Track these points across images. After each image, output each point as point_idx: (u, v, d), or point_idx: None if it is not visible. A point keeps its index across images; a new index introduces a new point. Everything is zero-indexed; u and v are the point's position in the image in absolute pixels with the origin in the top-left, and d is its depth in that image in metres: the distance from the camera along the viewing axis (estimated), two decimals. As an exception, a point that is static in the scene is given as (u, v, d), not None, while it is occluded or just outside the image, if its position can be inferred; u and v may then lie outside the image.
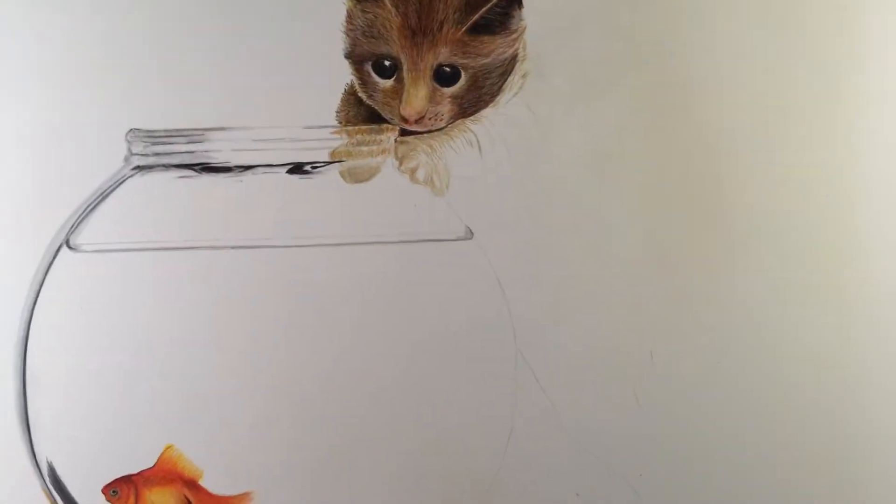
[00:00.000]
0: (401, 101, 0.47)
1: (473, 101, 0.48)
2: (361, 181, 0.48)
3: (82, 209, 0.47)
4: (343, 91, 0.48)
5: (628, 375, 0.48)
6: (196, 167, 0.48)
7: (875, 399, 0.49)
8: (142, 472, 0.48)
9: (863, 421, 0.49)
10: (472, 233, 0.48)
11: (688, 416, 0.48)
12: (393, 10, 0.46)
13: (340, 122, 0.48)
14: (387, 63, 0.47)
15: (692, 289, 0.48)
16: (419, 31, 0.46)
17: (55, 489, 0.48)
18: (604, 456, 0.48)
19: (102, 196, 0.47)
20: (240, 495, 0.48)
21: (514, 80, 0.48)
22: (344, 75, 0.47)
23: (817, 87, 0.48)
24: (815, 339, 0.48)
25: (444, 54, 0.46)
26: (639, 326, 0.48)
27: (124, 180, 0.48)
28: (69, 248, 0.47)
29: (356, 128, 0.48)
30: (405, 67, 0.46)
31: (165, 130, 0.47)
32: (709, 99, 0.48)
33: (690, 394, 0.48)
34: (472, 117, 0.48)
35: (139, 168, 0.48)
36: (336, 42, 0.47)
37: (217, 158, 0.47)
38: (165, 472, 0.48)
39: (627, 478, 0.48)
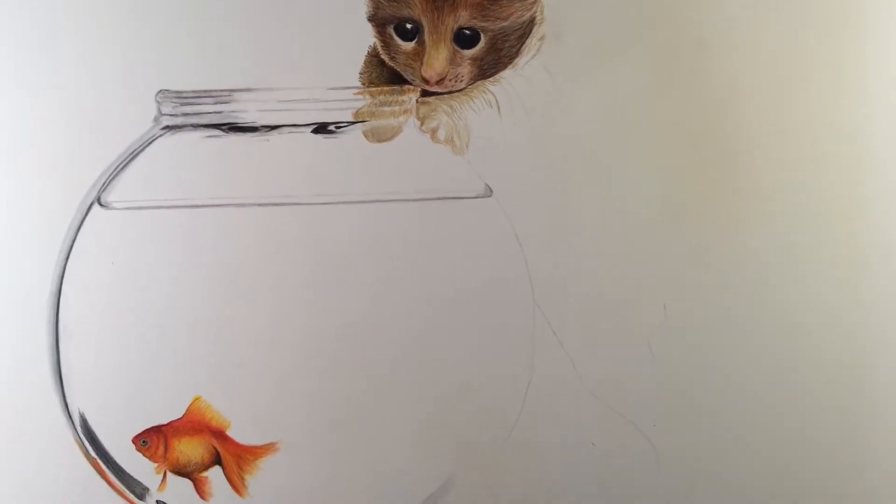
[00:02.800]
0: (422, 63, 0.48)
1: (492, 63, 0.49)
2: (384, 141, 0.49)
3: (113, 167, 0.49)
4: (366, 53, 0.49)
5: (643, 327, 0.49)
6: (223, 127, 0.49)
7: (887, 350, 0.50)
8: (171, 422, 0.49)
9: (874, 371, 0.50)
10: (490, 190, 0.49)
11: (701, 367, 0.49)
12: (415, -26, 0.47)
13: (363, 84, 0.49)
14: (409, 26, 0.48)
15: (705, 242, 0.49)
16: (440, -6, 0.47)
17: (87, 439, 0.49)
18: (619, 406, 0.49)
19: (133, 155, 0.49)
20: (265, 445, 0.49)
21: (531, 43, 0.49)
22: (367, 38, 0.49)
23: (830, 46, 0.49)
24: (826, 291, 0.50)
25: (464, 17, 0.47)
26: (653, 280, 0.49)
27: (154, 140, 0.49)
28: (100, 205, 0.49)
29: (379, 89, 0.49)
30: (426, 30, 0.48)
31: (194, 91, 0.49)
32: (723, 58, 0.49)
33: (703, 345, 0.49)
34: (491, 79, 0.49)
35: (168, 128, 0.49)
36: (359, 5, 0.48)
37: (244, 118, 0.49)
38: (194, 423, 0.49)
39: (642, 428, 0.49)
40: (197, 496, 0.49)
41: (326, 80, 0.49)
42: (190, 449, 0.49)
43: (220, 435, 0.49)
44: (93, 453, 0.49)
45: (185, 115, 0.49)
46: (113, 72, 0.49)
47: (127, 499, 0.50)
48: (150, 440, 0.49)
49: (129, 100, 0.49)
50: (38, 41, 0.49)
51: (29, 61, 0.49)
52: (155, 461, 0.49)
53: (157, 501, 0.50)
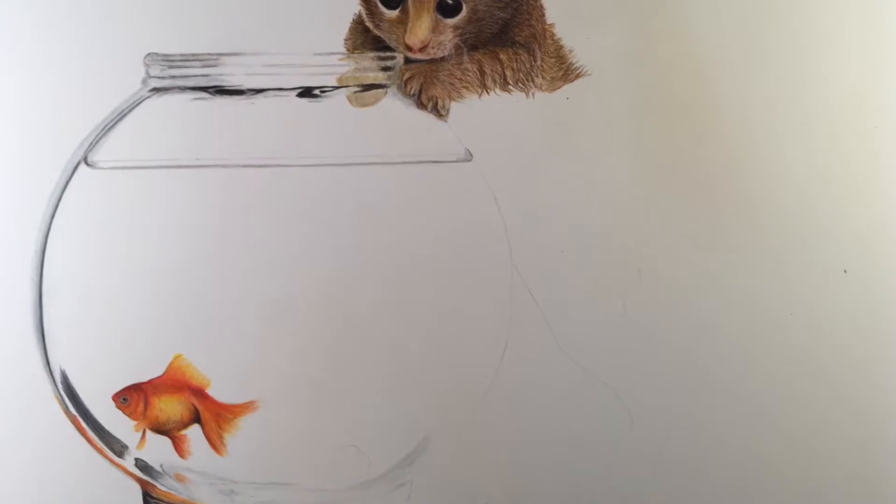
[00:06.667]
0: (405, 31, 0.49)
1: (474, 32, 0.50)
2: (367, 106, 0.50)
3: (101, 128, 0.50)
4: (351, 20, 0.50)
5: (618, 291, 0.50)
6: (210, 90, 0.50)
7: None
8: (151, 380, 0.49)
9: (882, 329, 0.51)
10: (471, 155, 0.50)
11: (676, 331, 0.50)
12: (399, -56, 0.49)
13: (348, 50, 0.50)
14: (393, -6, 0.49)
15: (679, 208, 0.51)
16: (423, -36, 0.49)
17: (67, 395, 0.49)
18: (594, 369, 0.50)
19: (121, 116, 0.50)
20: (244, 404, 0.49)
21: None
22: (353, 4, 0.50)
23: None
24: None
25: (446, -13, 0.49)
26: (628, 244, 0.50)
27: (142, 101, 0.50)
28: (87, 164, 0.50)
29: (363, 55, 0.50)
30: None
31: (181, 54, 0.50)
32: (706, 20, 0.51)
33: (678, 309, 0.50)
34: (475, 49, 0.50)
35: (156, 90, 0.50)
36: (345, -27, 0.50)
37: (231, 82, 0.50)
38: (174, 381, 0.49)
39: (617, 389, 0.50)
40: (175, 454, 0.50)
41: (312, 45, 0.50)
42: (170, 407, 0.49)
43: (199, 393, 0.49)
44: (73, 410, 0.50)
45: (173, 77, 0.50)
46: (102, 34, 0.50)
47: (106, 456, 0.50)
48: (130, 398, 0.49)
49: (118, 62, 0.50)
50: (27, 3, 0.50)
51: (17, 23, 0.50)
52: (134, 419, 0.49)
53: (135, 459, 0.50)
